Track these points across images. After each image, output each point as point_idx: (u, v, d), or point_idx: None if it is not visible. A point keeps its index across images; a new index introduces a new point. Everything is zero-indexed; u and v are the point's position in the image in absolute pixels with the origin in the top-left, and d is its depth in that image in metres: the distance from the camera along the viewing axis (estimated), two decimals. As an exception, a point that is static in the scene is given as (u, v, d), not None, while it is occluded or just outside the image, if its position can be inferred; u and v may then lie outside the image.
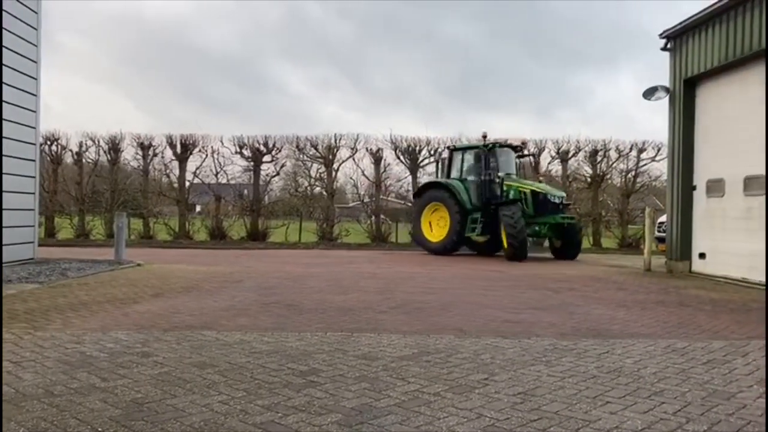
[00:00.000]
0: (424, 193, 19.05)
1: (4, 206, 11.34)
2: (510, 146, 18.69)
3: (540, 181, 19.20)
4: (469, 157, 18.63)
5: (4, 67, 11.45)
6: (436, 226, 18.56)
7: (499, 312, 7.81)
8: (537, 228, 17.34)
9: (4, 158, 11.49)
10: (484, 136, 18.07)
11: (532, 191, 17.07)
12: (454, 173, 18.88)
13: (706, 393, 4.38)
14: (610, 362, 5.23)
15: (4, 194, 11.38)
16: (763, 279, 11.16)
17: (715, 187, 12.82)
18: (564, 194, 17.71)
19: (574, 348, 5.78)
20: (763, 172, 11.32)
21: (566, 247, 17.58)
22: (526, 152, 20.23)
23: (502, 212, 16.36)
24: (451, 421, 3.72)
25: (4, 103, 11.49)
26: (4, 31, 11.43)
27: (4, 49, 11.44)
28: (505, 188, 17.36)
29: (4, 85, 11.51)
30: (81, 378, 4.51)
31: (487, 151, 17.96)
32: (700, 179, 13.44)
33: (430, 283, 10.90)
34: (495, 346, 5.81)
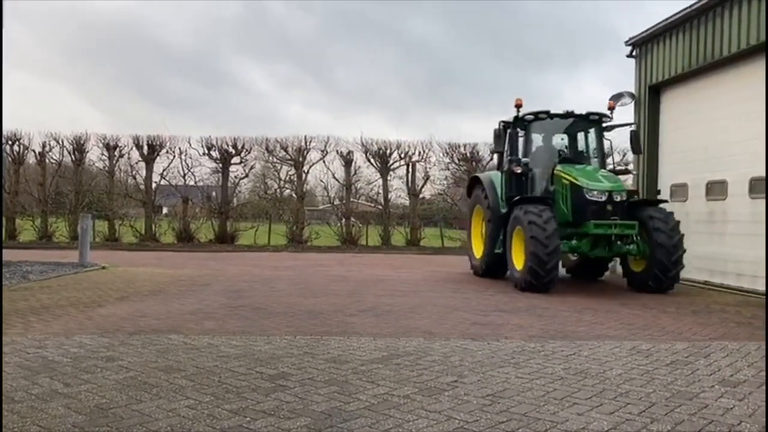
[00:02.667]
0: (472, 190, 13.60)
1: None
2: (568, 116, 11.90)
3: (622, 168, 12.53)
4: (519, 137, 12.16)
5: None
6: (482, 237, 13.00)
7: (467, 314, 7.85)
8: (575, 242, 10.83)
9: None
10: (518, 105, 11.66)
11: (572, 184, 10.67)
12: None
13: (670, 394, 4.47)
14: (577, 364, 5.30)
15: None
16: (725, 281, 11.43)
17: (679, 192, 13.10)
18: (618, 185, 10.71)
19: (542, 350, 5.84)
20: (724, 178, 11.61)
21: (646, 274, 10.53)
22: (610, 123, 12.12)
23: (523, 212, 10.34)
24: (420, 424, 3.73)
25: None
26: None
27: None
28: (554, 180, 11.31)
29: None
30: (43, 383, 4.41)
31: (512, 127, 11.89)
32: (664, 184, 13.72)
33: (399, 286, 10.92)
34: (464, 348, 5.85)
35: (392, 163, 24.44)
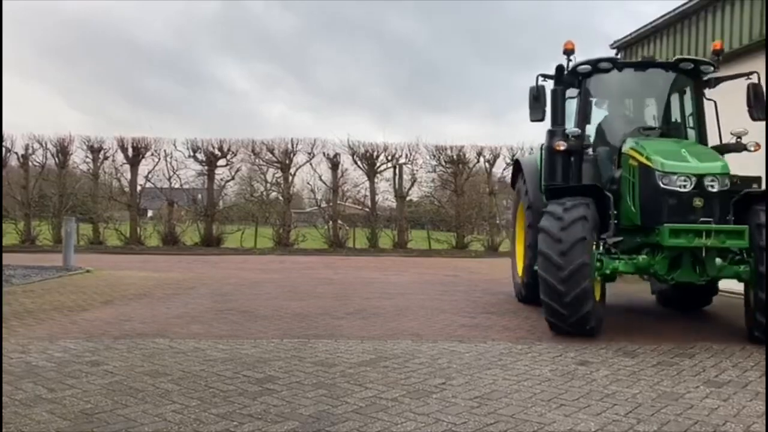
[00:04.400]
0: (516, 181, 10.13)
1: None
2: (647, 65, 8.33)
3: (736, 142, 7.58)
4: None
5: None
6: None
7: (455, 316, 7.87)
8: (642, 258, 6.97)
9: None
10: (568, 51, 8.04)
11: (641, 166, 7.03)
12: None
13: (656, 394, 4.50)
14: (564, 365, 5.32)
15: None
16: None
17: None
18: (716, 165, 6.86)
19: (529, 351, 5.87)
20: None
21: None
22: (714, 74, 8.15)
23: (542, 221, 6.94)
24: (408, 427, 3.73)
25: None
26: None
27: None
28: (621, 161, 7.55)
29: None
30: (26, 389, 4.36)
31: (555, 82, 7.98)
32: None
33: (387, 289, 10.91)
34: (452, 350, 5.86)
35: (379, 166, 24.44)
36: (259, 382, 4.62)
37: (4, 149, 23.91)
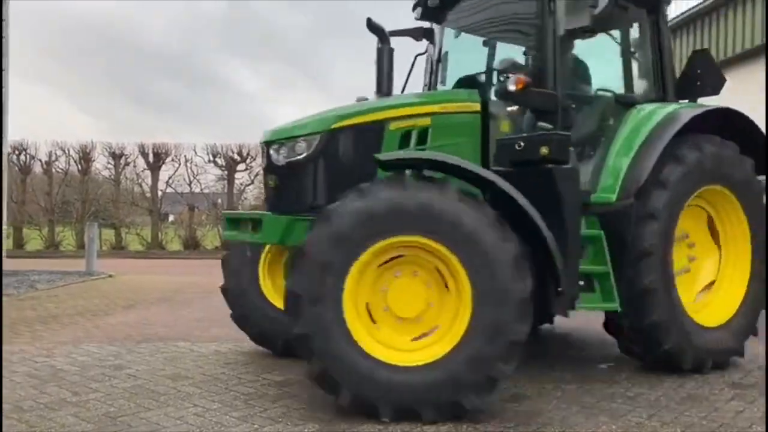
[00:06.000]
0: None
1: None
2: None
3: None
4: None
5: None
6: None
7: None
8: None
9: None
10: None
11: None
12: None
13: (680, 397, 4.44)
14: (584, 367, 5.27)
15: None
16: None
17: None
18: (297, 126, 4.64)
19: (548, 353, 5.82)
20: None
21: None
22: None
23: None
24: (429, 429, 3.72)
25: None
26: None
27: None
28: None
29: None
30: (51, 392, 4.42)
31: (379, 39, 4.91)
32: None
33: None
34: (471, 353, 5.82)
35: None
36: (278, 385, 4.64)
37: (27, 156, 24.34)
